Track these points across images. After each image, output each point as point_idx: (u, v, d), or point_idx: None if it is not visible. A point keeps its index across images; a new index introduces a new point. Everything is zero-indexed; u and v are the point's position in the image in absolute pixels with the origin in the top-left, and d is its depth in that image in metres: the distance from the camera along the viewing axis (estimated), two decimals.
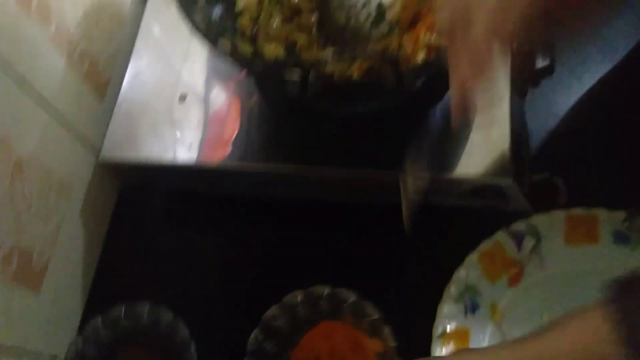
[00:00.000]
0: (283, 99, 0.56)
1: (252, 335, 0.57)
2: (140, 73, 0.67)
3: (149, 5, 0.72)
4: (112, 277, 0.67)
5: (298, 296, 0.57)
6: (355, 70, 0.54)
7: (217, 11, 0.56)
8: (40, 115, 0.58)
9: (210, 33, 0.51)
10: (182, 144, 0.61)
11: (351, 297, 0.56)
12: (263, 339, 0.57)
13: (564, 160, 0.65)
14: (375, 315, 0.55)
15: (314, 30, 0.60)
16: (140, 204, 0.70)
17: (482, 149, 0.55)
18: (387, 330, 0.55)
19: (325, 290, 0.57)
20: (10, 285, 0.54)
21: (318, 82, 0.43)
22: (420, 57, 0.50)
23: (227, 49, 0.48)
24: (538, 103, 0.67)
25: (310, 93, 0.42)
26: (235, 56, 0.47)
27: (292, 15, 0.61)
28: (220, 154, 0.59)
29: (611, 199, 0.60)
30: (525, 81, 0.59)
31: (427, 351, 0.56)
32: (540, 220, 0.59)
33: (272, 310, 0.57)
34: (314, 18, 0.60)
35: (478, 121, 0.56)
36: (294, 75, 0.44)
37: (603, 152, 0.65)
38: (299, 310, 0.58)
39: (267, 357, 0.57)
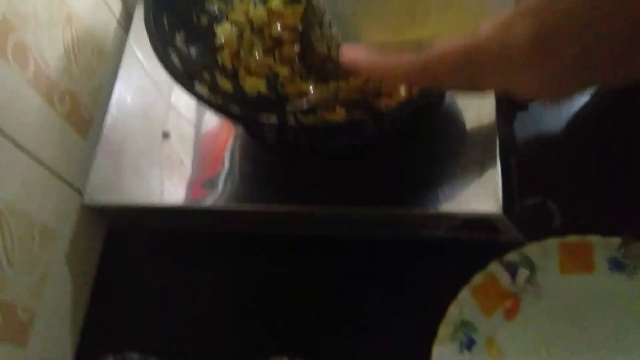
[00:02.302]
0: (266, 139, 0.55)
1: None
2: (123, 108, 0.66)
3: (131, 36, 0.72)
4: (101, 326, 0.65)
5: None
6: (338, 105, 0.53)
7: (195, 49, 0.55)
8: (20, 160, 0.57)
9: (188, 73, 0.50)
10: (166, 185, 0.59)
11: None
12: None
13: (556, 183, 0.64)
14: None
15: (296, 61, 0.59)
16: (128, 246, 0.68)
17: (471, 181, 0.53)
18: None
19: None
20: None
21: (296, 127, 0.42)
22: (402, 92, 0.49)
23: (204, 93, 0.47)
24: (527, 124, 0.66)
25: (289, 138, 0.40)
26: (211, 104, 0.46)
27: (274, 46, 0.60)
28: (205, 195, 0.58)
29: (605, 223, 0.59)
30: (512, 106, 0.58)
31: None
32: (533, 249, 0.58)
33: None
34: (296, 49, 0.59)
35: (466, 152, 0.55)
36: (271, 119, 0.42)
37: (596, 174, 0.64)
38: None
39: None
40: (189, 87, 0.45)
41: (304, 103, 0.41)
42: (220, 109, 0.45)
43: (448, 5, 0.31)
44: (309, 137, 0.48)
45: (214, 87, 0.53)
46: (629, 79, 0.29)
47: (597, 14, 0.26)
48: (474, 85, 0.31)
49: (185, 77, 0.46)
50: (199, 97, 0.45)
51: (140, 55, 0.69)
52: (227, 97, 0.51)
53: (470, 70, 0.29)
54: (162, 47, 0.47)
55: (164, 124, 0.63)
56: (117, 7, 0.75)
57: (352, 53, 0.32)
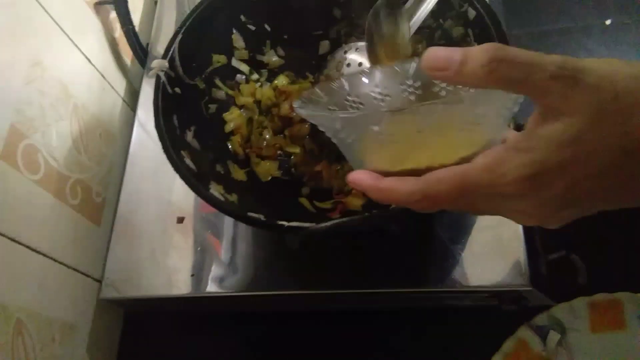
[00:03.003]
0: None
1: None
2: (135, 188, 0.66)
3: (139, 112, 0.71)
4: None
5: None
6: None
7: (206, 141, 0.55)
8: (35, 262, 0.56)
9: (202, 174, 0.49)
10: (183, 273, 0.59)
11: None
12: None
13: (578, 235, 0.63)
14: None
15: (307, 140, 0.59)
16: (145, 330, 0.67)
17: (495, 253, 0.53)
18: None
19: None
20: None
21: (318, 231, 0.41)
22: None
23: (220, 194, 0.47)
24: None
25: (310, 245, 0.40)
26: (229, 212, 0.45)
27: (283, 126, 0.60)
28: (223, 281, 0.57)
29: (633, 275, 0.58)
30: None
31: None
32: (562, 310, 0.57)
33: None
34: (306, 127, 0.59)
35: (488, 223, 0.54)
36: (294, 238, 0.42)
37: (619, 225, 0.63)
38: None
39: None
40: (204, 194, 0.45)
41: (329, 223, 0.41)
42: (238, 217, 0.45)
43: (442, 140, 0.33)
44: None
45: (228, 181, 0.53)
46: (624, 206, 0.30)
47: (577, 155, 0.28)
48: (471, 210, 0.33)
49: (200, 182, 0.46)
50: (217, 205, 0.44)
51: (149, 130, 0.69)
52: (242, 191, 0.50)
53: (466, 198, 0.31)
54: (175, 153, 0.46)
55: (177, 207, 0.63)
56: (121, 85, 0.75)
57: (358, 178, 0.34)
